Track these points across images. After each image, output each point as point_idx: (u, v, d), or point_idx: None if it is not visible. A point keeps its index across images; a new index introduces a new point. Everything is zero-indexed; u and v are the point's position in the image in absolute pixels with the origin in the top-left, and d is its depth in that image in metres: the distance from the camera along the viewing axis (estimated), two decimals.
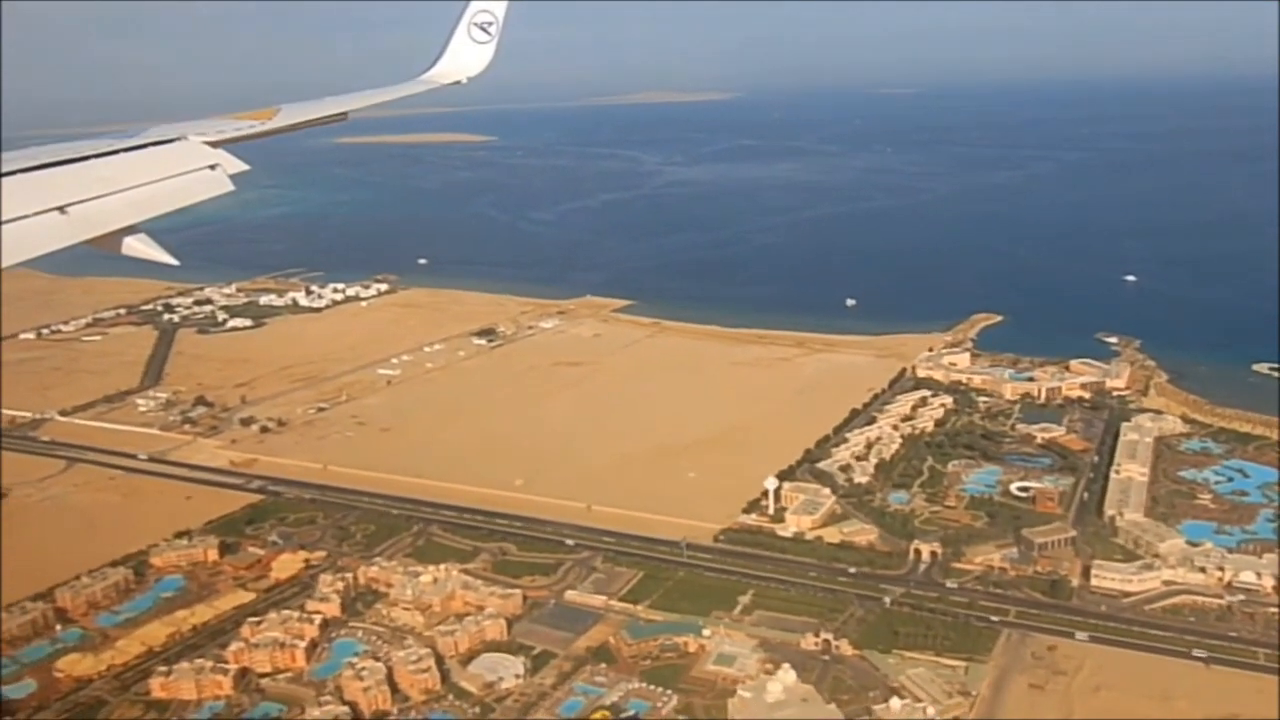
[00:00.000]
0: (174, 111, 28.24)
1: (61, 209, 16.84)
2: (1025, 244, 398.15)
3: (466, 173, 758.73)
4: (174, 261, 19.24)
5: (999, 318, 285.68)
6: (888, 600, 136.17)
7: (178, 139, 22.17)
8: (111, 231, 18.14)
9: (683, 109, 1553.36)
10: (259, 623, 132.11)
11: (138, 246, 19.05)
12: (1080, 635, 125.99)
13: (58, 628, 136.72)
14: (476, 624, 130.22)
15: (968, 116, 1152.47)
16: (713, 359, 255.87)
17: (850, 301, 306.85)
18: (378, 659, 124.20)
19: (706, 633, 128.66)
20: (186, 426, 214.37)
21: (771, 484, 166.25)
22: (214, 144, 22.87)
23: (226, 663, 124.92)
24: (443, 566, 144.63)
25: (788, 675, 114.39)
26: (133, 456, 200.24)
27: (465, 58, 37.31)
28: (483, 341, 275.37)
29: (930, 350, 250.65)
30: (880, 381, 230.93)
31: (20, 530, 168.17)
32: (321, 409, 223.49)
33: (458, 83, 36.98)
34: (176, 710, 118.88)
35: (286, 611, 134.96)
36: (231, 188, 22.04)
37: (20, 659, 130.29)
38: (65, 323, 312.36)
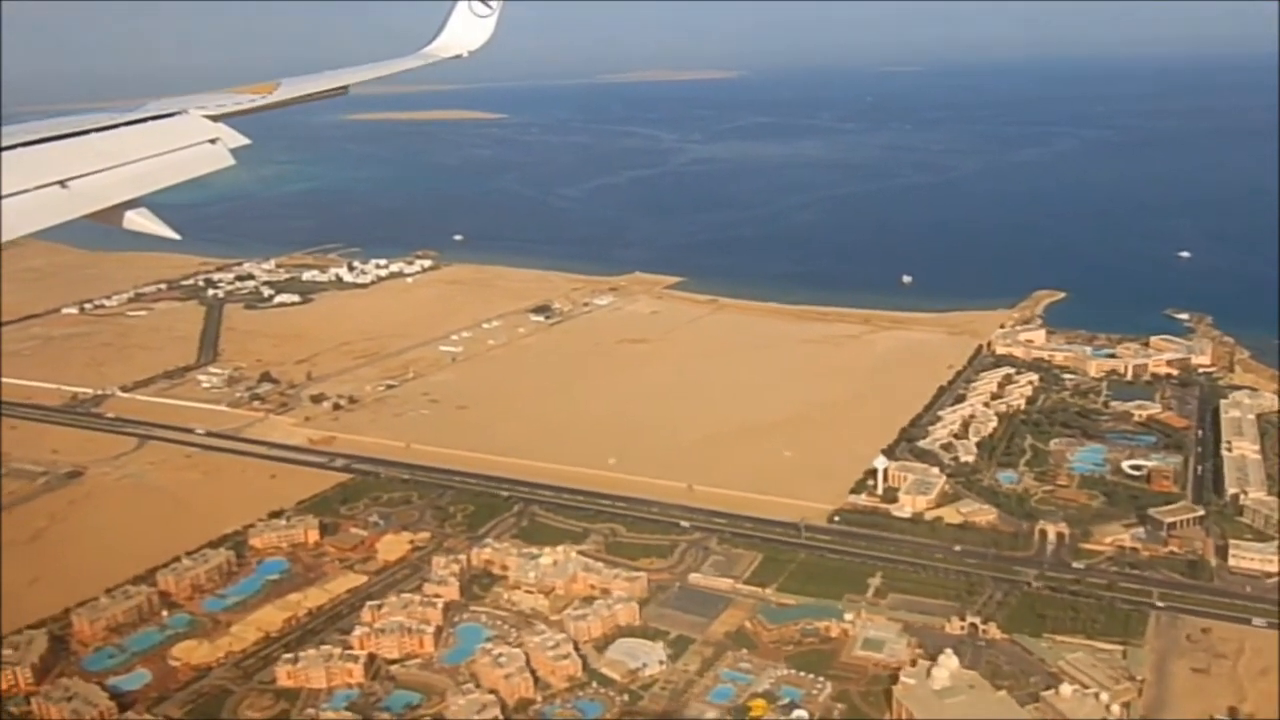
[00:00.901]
0: (174, 87, 27.61)
1: (62, 183, 16.49)
2: (1068, 220, 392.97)
3: (485, 150, 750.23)
4: (175, 235, 19.01)
5: (1062, 294, 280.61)
6: (1032, 582, 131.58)
7: (178, 113, 21.73)
8: (112, 205, 17.78)
9: (687, 87, 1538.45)
10: (379, 607, 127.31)
11: (139, 220, 18.67)
12: (1258, 621, 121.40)
13: (164, 613, 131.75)
14: (608, 608, 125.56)
15: (978, 94, 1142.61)
16: (780, 336, 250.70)
17: (906, 278, 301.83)
18: (512, 645, 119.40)
19: (848, 617, 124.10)
20: (255, 403, 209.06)
21: (881, 464, 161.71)
22: (214, 118, 22.36)
23: (352, 648, 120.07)
24: (559, 548, 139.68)
25: (951, 660, 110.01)
26: (204, 433, 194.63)
27: (466, 31, 36.84)
28: (540, 318, 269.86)
29: (1003, 327, 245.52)
30: (957, 358, 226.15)
31: (106, 510, 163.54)
32: (391, 386, 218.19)
33: (459, 56, 36.38)
34: (307, 699, 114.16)
35: (406, 595, 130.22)
36: (232, 161, 21.59)
37: (128, 647, 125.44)
38: (107, 297, 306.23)
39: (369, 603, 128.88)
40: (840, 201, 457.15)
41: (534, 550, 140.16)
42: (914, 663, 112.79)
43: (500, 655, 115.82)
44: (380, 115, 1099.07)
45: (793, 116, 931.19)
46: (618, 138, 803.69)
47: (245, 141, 22.43)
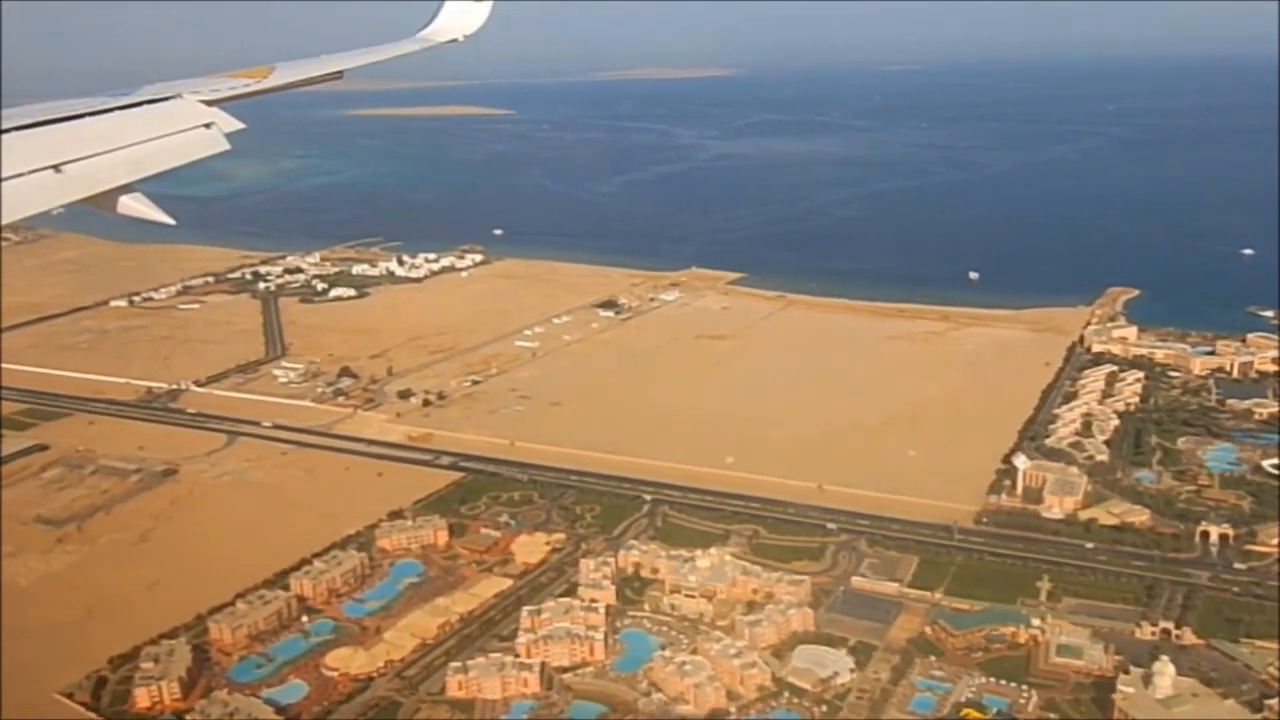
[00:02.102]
0: (170, 76, 24.67)
1: (56, 167, 16.19)
2: (1120, 217, 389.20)
3: (501, 145, 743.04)
4: (170, 221, 18.45)
5: (1135, 292, 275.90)
6: (1210, 585, 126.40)
7: (172, 97, 21.34)
8: (107, 190, 17.50)
9: (687, 84, 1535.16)
10: (538, 612, 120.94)
11: (134, 205, 18.35)
12: None
13: (304, 619, 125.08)
14: (781, 614, 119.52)
15: (984, 93, 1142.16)
16: (861, 333, 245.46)
17: (973, 275, 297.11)
18: (690, 652, 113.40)
19: (1036, 622, 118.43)
20: (340, 399, 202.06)
21: (1022, 463, 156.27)
22: (209, 103, 21.80)
23: (518, 656, 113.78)
24: (711, 550, 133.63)
25: (1168, 668, 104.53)
26: (295, 429, 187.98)
27: (462, 15, 36.02)
28: (609, 314, 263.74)
29: (1089, 325, 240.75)
30: (1052, 356, 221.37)
31: (212, 510, 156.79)
32: (476, 382, 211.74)
33: (454, 41, 35.58)
34: (483, 711, 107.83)
35: (564, 600, 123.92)
36: (227, 146, 20.84)
37: (274, 656, 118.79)
38: (155, 290, 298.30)
39: (526, 608, 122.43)
40: (880, 198, 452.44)
41: (684, 553, 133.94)
42: (1126, 670, 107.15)
43: (684, 664, 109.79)
44: (382, 110, 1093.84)
45: (803, 113, 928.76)
46: (632, 133, 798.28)
47: (240, 126, 21.53)
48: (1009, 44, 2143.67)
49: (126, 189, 18.06)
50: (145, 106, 20.30)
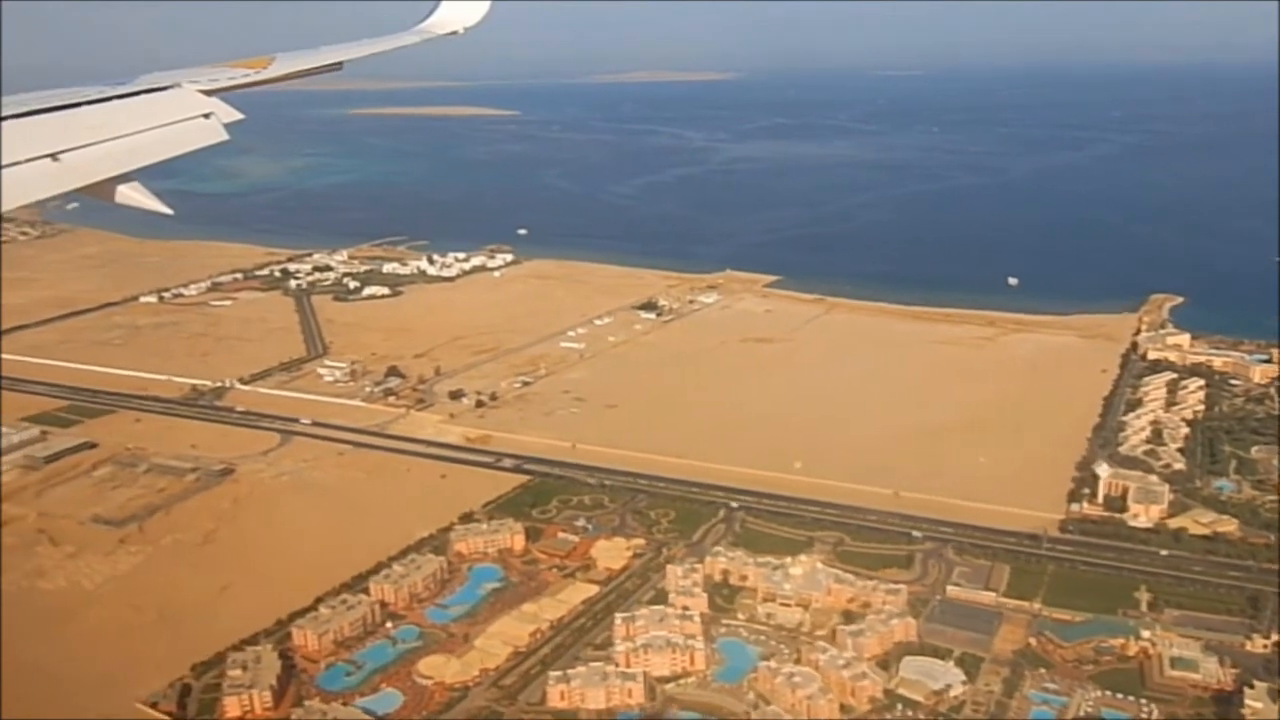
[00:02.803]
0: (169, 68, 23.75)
1: (54, 156, 16.13)
2: (1148, 222, 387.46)
3: (513, 146, 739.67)
4: (167, 211, 18.26)
5: (1179, 298, 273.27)
6: None
7: (171, 87, 21.07)
8: (104, 179, 17.36)
9: (687, 88, 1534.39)
10: (632, 619, 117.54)
11: (131, 195, 18.19)
12: None
13: (389, 625, 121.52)
14: (884, 623, 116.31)
15: (987, 98, 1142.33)
16: (908, 337, 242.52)
17: (1013, 280, 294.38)
18: (793, 662, 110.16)
19: (1145, 634, 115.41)
20: (391, 399, 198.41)
21: (1104, 471, 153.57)
22: (208, 92, 21.62)
23: (618, 664, 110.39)
24: (801, 558, 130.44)
25: None
26: (348, 429, 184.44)
27: (462, 8, 35.79)
28: (650, 315, 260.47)
29: (1139, 332, 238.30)
30: (1105, 363, 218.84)
31: (276, 511, 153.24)
32: (526, 383, 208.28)
33: (454, 33, 35.35)
34: None
35: (658, 608, 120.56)
36: (226, 137, 20.41)
37: (362, 663, 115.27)
38: (184, 286, 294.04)
39: (619, 615, 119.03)
40: (904, 202, 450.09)
41: (772, 560, 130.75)
42: (1249, 684, 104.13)
43: (794, 675, 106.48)
44: (385, 110, 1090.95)
45: (810, 117, 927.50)
46: (642, 136, 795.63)
47: (239, 116, 21.38)
48: (1003, 49, 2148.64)
49: (125, 178, 17.84)
50: (144, 96, 20.08)
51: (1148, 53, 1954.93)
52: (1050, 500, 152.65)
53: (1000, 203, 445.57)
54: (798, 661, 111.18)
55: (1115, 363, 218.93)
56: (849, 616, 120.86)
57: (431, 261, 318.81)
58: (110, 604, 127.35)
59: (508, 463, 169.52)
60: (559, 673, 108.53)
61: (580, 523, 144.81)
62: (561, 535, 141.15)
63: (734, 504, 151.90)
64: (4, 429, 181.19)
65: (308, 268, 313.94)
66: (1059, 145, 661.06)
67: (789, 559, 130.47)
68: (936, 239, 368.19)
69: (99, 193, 17.77)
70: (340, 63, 27.93)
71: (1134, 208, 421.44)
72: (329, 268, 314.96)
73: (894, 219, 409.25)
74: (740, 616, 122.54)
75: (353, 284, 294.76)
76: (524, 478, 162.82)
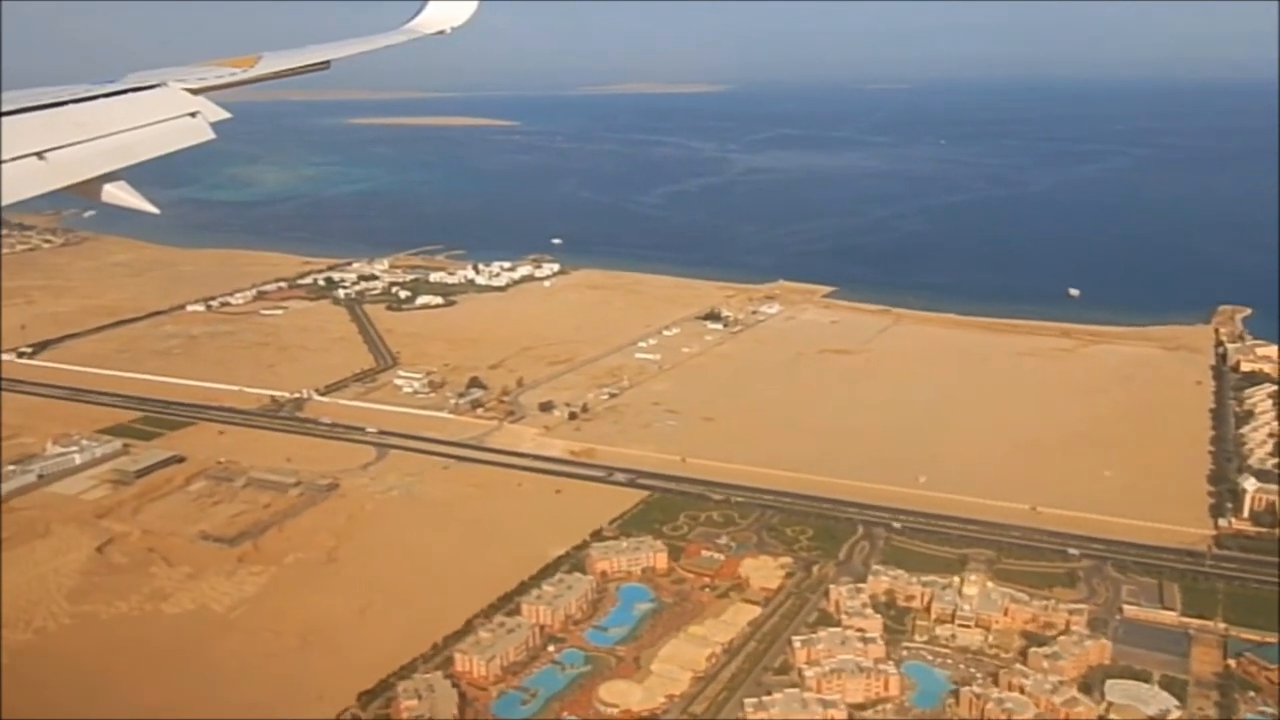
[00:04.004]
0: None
1: (40, 155, 16.11)
2: (1192, 233, 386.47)
3: (523, 156, 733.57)
4: (154, 210, 18.15)
5: (1247, 309, 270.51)
6: None
7: (157, 86, 20.90)
8: (91, 178, 17.28)
9: (680, 99, 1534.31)
10: (811, 642, 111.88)
11: (117, 194, 18.12)
12: None
13: (550, 648, 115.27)
14: (1077, 644, 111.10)
15: (984, 112, 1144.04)
16: (986, 348, 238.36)
17: (1073, 291, 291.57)
18: (992, 686, 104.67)
19: None
20: (479, 411, 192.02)
21: (1251, 485, 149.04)
22: (195, 91, 21.31)
23: (811, 691, 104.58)
24: (972, 577, 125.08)
25: None
26: (443, 441, 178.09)
27: (449, 8, 35.18)
28: (717, 326, 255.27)
29: (1219, 343, 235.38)
30: (1196, 374, 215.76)
31: (394, 527, 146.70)
32: (613, 395, 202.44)
33: (442, 32, 34.80)
34: None
35: (836, 630, 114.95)
36: (212, 136, 20.47)
37: (533, 689, 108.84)
38: (230, 295, 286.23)
39: (797, 638, 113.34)
40: (937, 213, 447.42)
41: (937, 579, 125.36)
42: None
43: (1005, 700, 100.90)
44: (383, 120, 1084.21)
45: (813, 129, 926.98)
46: (650, 146, 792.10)
47: (226, 115, 21.13)
48: (977, 64, 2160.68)
49: (111, 177, 17.68)
50: (130, 95, 19.87)
51: (1115, 69, 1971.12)
52: (1193, 515, 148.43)
53: (1033, 214, 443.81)
54: (994, 684, 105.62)
55: (1206, 374, 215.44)
56: (1029, 638, 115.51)
57: (478, 271, 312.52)
58: (246, 629, 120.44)
59: (619, 477, 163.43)
60: (755, 699, 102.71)
61: (721, 540, 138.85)
62: (705, 553, 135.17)
63: (869, 520, 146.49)
64: (85, 442, 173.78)
65: (352, 276, 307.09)
66: (1072, 158, 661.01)
67: (955, 578, 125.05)
68: (981, 250, 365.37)
69: (85, 191, 17.45)
70: (327, 62, 27.22)
71: (1171, 220, 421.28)
72: (374, 277, 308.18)
73: (933, 230, 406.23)
74: (919, 639, 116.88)
75: (402, 293, 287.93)
76: (642, 493, 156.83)
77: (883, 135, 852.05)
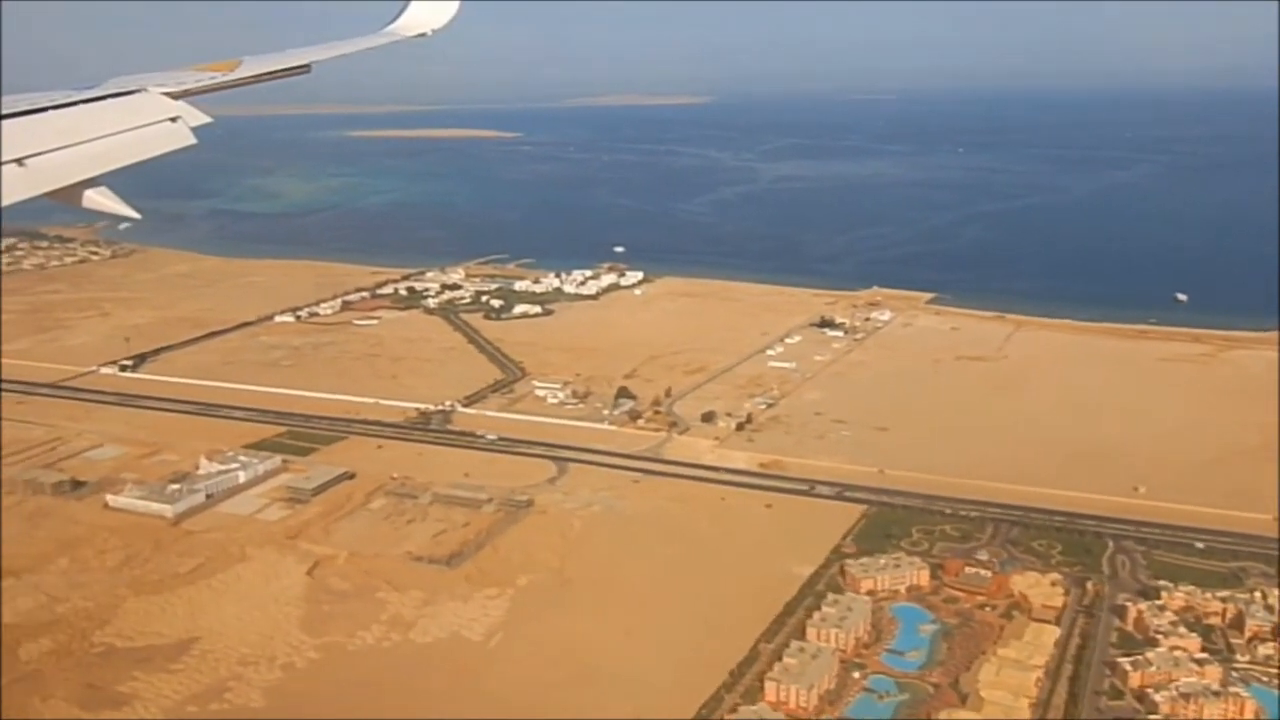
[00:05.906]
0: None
1: (20, 161, 15.91)
2: (1257, 239, 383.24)
3: (543, 166, 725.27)
4: (135, 215, 18.55)
5: None
6: None
7: (137, 90, 20.65)
8: (72, 184, 17.07)
9: (671, 111, 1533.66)
10: (1145, 664, 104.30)
11: (98, 199, 17.94)
12: None
13: (856, 675, 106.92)
14: None
15: (986, 120, 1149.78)
16: (1123, 354, 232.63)
17: (1181, 296, 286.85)
18: None
19: None
20: (639, 422, 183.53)
21: None
22: (175, 96, 21.07)
23: (1166, 716, 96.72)
24: (1275, 592, 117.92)
25: None
26: (618, 454, 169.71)
27: (430, 10, 34.06)
28: (837, 334, 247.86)
29: None
30: None
31: (619, 546, 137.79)
32: (769, 404, 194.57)
33: (423, 35, 33.64)
34: None
35: (1160, 650, 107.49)
36: (193, 140, 20.21)
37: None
38: (315, 305, 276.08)
39: (1125, 660, 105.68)
40: (993, 220, 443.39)
41: (1237, 594, 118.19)
42: None
43: None
44: (385, 132, 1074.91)
45: (821, 139, 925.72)
46: (665, 156, 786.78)
47: (208, 120, 20.76)
48: (966, 76, 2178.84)
49: (92, 182, 17.49)
50: (110, 100, 19.61)
51: (1090, 79, 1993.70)
52: None
53: (1091, 221, 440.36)
54: None
55: None
56: None
57: (561, 279, 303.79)
58: (513, 660, 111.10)
59: (824, 490, 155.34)
60: None
61: (981, 555, 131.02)
62: (969, 570, 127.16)
63: (1112, 533, 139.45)
64: (243, 459, 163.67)
65: (435, 286, 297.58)
66: (1100, 165, 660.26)
67: (1255, 593, 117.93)
68: (1057, 257, 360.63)
69: (66, 198, 17.31)
70: (308, 65, 26.68)
71: (1232, 225, 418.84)
72: (458, 286, 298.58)
73: (996, 237, 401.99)
74: (1241, 658, 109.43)
75: (494, 302, 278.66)
76: (858, 507, 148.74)
77: (895, 144, 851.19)
